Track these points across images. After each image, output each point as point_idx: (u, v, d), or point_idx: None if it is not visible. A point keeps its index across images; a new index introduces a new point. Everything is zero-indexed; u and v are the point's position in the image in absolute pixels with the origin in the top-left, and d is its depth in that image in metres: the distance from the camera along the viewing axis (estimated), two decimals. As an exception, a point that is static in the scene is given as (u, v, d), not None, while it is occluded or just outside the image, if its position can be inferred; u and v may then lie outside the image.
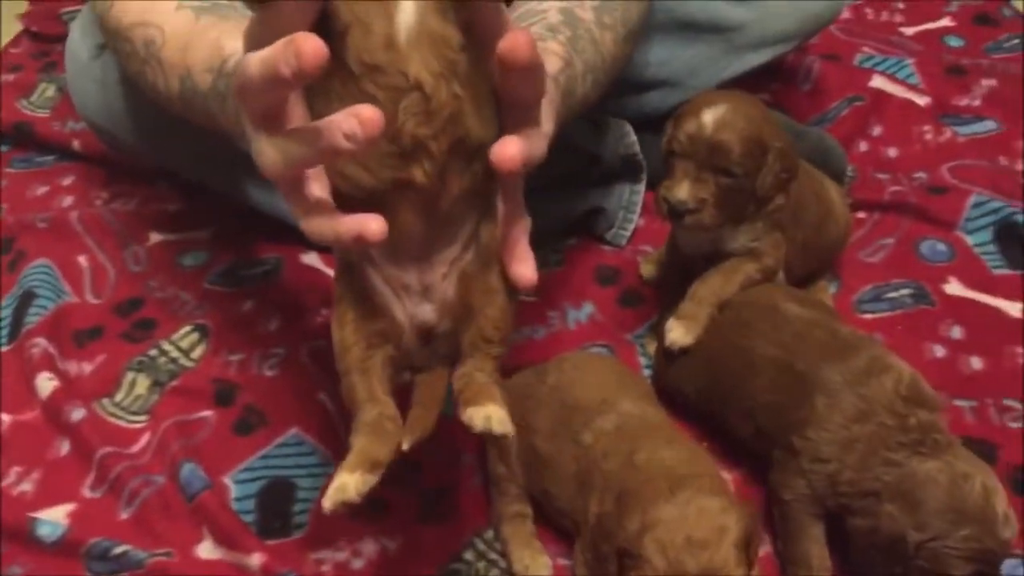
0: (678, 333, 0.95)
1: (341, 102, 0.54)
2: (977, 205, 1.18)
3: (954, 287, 1.11)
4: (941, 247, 1.16)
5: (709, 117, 0.91)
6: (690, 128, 0.92)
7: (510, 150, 0.58)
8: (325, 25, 0.55)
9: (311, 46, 0.50)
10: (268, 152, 0.58)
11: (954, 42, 1.53)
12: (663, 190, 0.94)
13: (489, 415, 0.64)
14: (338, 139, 0.52)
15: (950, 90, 1.39)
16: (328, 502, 0.62)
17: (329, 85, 0.56)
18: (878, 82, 1.39)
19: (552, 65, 0.78)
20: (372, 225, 0.57)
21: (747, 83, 1.25)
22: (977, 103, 1.37)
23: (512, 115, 0.61)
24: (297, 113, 0.59)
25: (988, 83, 1.40)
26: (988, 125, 1.33)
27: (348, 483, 0.62)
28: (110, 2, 0.89)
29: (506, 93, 0.60)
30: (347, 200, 0.60)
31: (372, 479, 0.63)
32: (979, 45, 1.52)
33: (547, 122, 0.66)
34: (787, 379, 0.88)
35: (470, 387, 0.66)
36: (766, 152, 0.92)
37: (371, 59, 0.55)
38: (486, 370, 0.67)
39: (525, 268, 0.65)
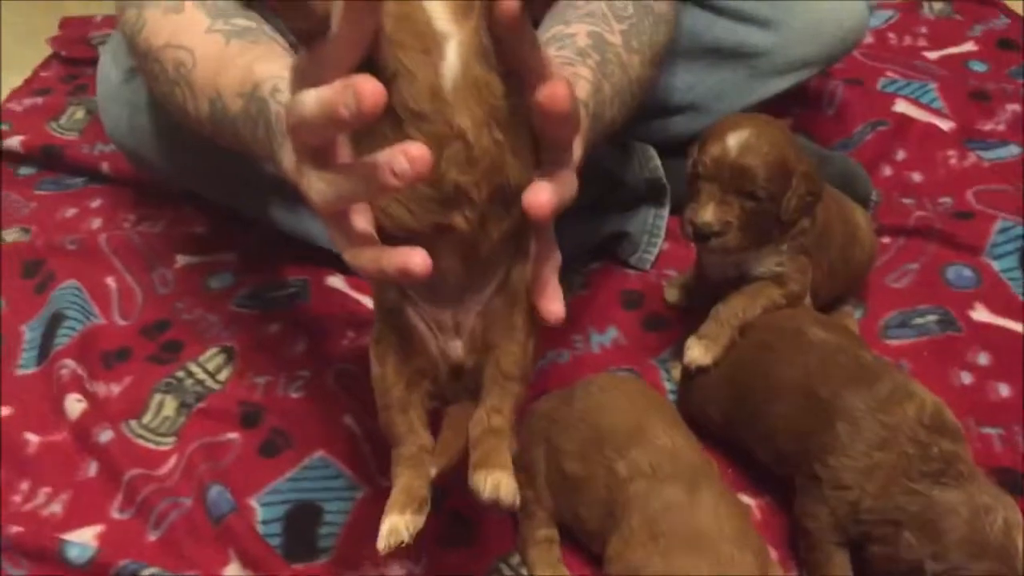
0: (697, 352, 0.96)
1: (385, 143, 0.55)
2: (1003, 231, 1.18)
3: (980, 313, 1.10)
4: (967, 272, 1.15)
5: (734, 141, 0.92)
6: (715, 151, 0.92)
7: (542, 197, 0.59)
8: (371, 67, 0.55)
9: (371, 89, 0.51)
10: (318, 186, 0.58)
11: (978, 67, 1.53)
12: (688, 213, 0.94)
13: (498, 483, 0.64)
14: (387, 176, 0.53)
15: (974, 115, 1.39)
16: (383, 544, 0.64)
17: (374, 126, 0.57)
18: (902, 107, 1.39)
19: (581, 90, 0.79)
20: (416, 259, 0.57)
21: (771, 107, 1.25)
22: (1002, 128, 1.37)
23: (545, 155, 0.62)
24: (344, 150, 0.60)
25: (1012, 107, 1.40)
26: (1012, 150, 1.33)
27: (399, 525, 0.64)
28: (141, 24, 0.90)
29: (541, 134, 0.61)
30: (389, 239, 0.61)
31: (421, 519, 0.65)
32: (1003, 69, 1.52)
33: (577, 149, 0.67)
34: (809, 404, 0.88)
35: (483, 444, 0.67)
36: (791, 176, 0.93)
37: (416, 107, 0.56)
38: (504, 411, 0.68)
39: (554, 304, 0.65)
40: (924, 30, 1.63)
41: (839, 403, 0.85)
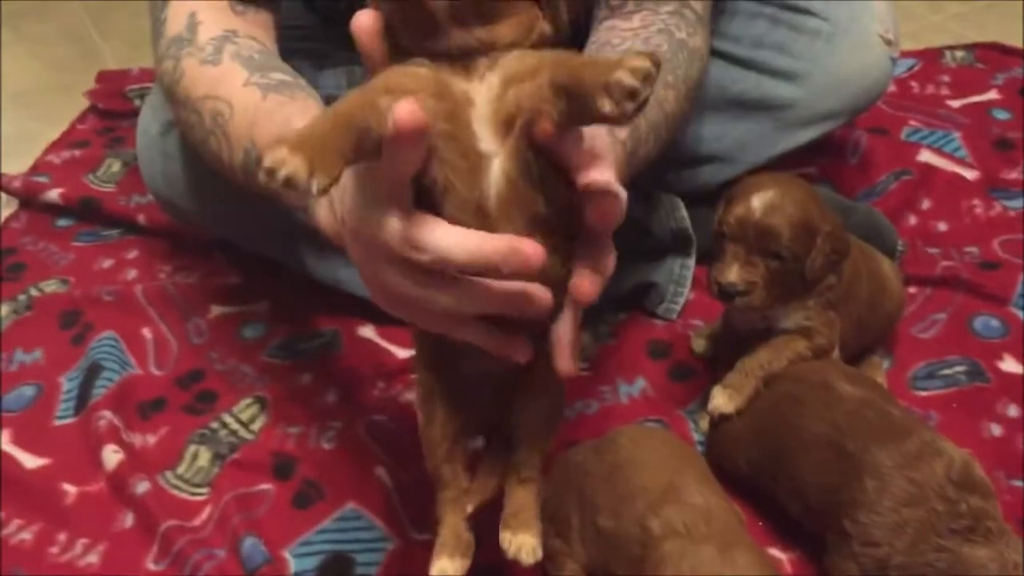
0: (721, 401, 0.97)
1: None
2: (1029, 281, 1.19)
3: (1009, 364, 1.11)
4: (995, 323, 1.16)
5: (758, 202, 0.94)
6: (739, 212, 0.94)
7: (586, 286, 0.61)
8: (422, 180, 0.58)
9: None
10: (446, 301, 0.60)
11: (1001, 115, 1.54)
12: (714, 272, 0.96)
13: (520, 546, 0.69)
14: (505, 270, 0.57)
15: (998, 164, 1.40)
16: None
17: None
18: (926, 156, 1.41)
19: (620, 130, 0.81)
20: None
21: (795, 157, 1.28)
22: None
23: (587, 239, 0.63)
24: None
25: None
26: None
27: (448, 568, 0.68)
28: (179, 75, 0.92)
29: (586, 222, 0.62)
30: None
31: (468, 562, 0.69)
32: None
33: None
34: (837, 459, 0.88)
35: (513, 499, 0.71)
36: (815, 235, 0.94)
37: (462, 220, 0.58)
38: (533, 462, 0.72)
39: (569, 362, 0.65)
40: (947, 79, 1.64)
41: (867, 458, 0.86)
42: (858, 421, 0.89)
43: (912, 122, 1.49)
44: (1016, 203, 1.33)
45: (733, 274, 0.94)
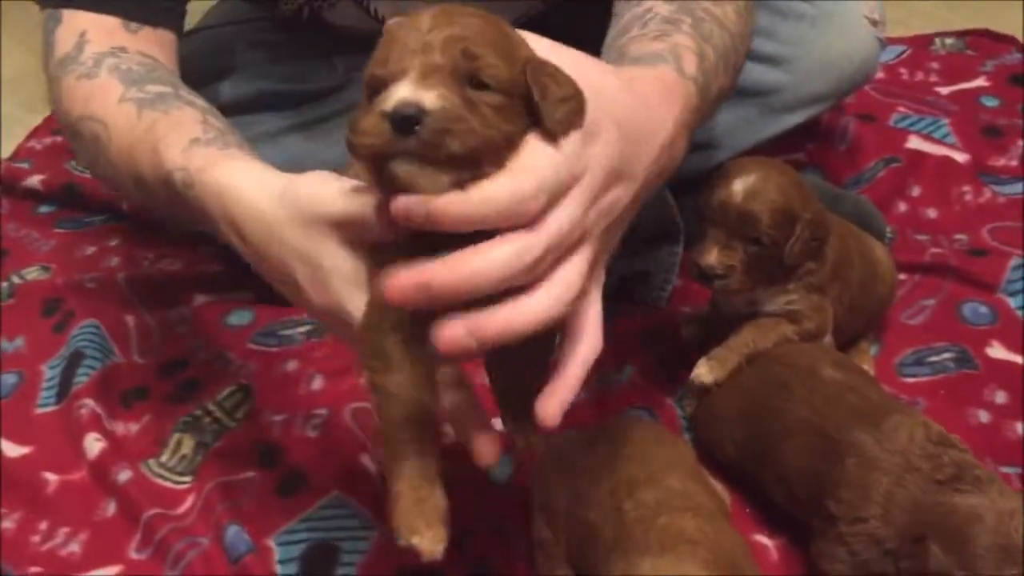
0: (703, 370, 0.99)
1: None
2: (1017, 267, 1.18)
3: (997, 351, 1.10)
4: (983, 309, 1.15)
5: (739, 186, 0.95)
6: (720, 196, 0.95)
7: (549, 409, 0.59)
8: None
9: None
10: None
11: (989, 102, 1.53)
12: (694, 254, 0.97)
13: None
14: None
15: (987, 150, 1.40)
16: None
17: None
18: (915, 143, 1.40)
19: (689, 63, 0.72)
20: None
21: (784, 144, 1.27)
22: (1014, 163, 1.37)
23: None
24: None
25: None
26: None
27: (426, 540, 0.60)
28: (58, 93, 0.87)
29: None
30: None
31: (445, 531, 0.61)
32: (1015, 105, 1.52)
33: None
34: (819, 444, 0.88)
35: None
36: (795, 222, 0.95)
37: None
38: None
39: (553, 408, 0.61)
40: (936, 65, 1.64)
41: (847, 440, 0.85)
42: (839, 405, 0.88)
43: (901, 108, 1.48)
44: (1004, 189, 1.33)
45: (712, 257, 0.95)
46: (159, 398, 1.13)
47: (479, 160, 0.53)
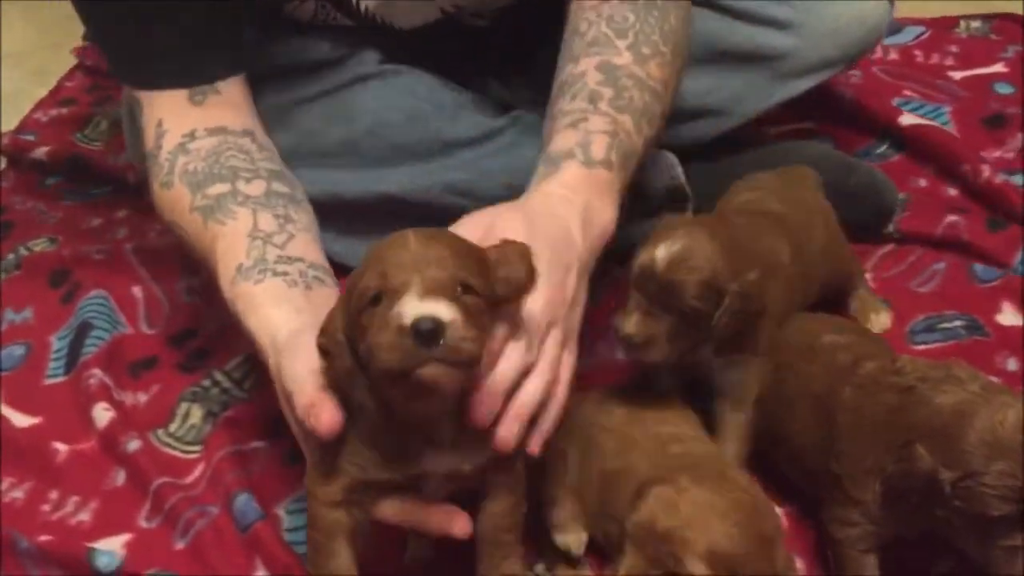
0: None
1: None
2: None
3: (1007, 316, 1.10)
4: (995, 270, 1.14)
5: (663, 252, 0.87)
6: (643, 261, 0.88)
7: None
8: None
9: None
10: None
11: (1004, 89, 1.48)
12: (615, 319, 0.90)
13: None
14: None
15: (983, 142, 1.35)
16: None
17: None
18: (913, 121, 1.37)
19: (599, 148, 0.86)
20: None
21: (791, 115, 1.26)
22: (1010, 155, 1.33)
23: None
24: None
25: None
26: (1019, 180, 1.28)
27: None
28: (152, 190, 0.96)
29: None
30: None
31: None
32: None
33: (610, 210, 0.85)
34: (816, 411, 0.87)
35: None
36: (723, 293, 0.87)
37: None
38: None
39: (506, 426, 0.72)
40: (954, 49, 1.58)
41: (835, 397, 0.85)
42: (831, 368, 0.88)
43: (906, 92, 1.45)
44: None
45: (631, 325, 0.88)
46: (167, 368, 1.13)
47: (480, 356, 0.66)
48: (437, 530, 0.73)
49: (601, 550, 0.89)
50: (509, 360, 0.71)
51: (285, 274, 0.84)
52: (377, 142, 1.14)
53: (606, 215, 0.85)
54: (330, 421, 0.67)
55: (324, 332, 0.68)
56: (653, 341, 0.88)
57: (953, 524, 0.76)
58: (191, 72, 0.95)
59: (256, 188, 0.90)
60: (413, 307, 0.62)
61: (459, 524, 0.73)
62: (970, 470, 0.73)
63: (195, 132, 0.93)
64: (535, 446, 0.74)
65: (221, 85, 0.96)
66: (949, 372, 0.79)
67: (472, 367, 0.66)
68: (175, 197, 0.92)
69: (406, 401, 0.67)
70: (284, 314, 0.80)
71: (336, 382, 0.69)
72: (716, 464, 0.84)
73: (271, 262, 0.84)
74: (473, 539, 0.76)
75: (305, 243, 0.89)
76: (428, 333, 0.61)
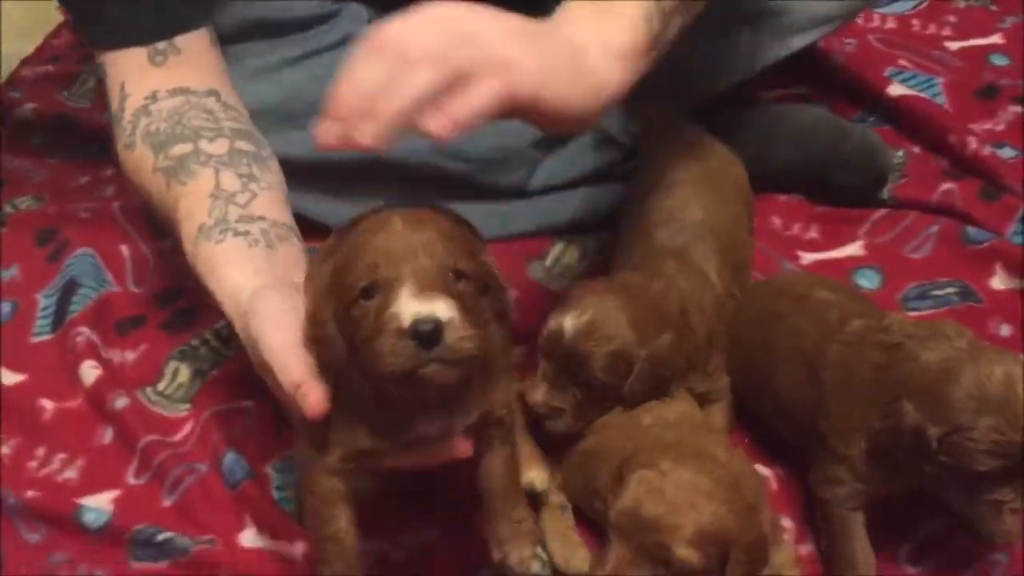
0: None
1: None
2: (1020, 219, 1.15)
3: (1000, 280, 1.09)
4: (987, 232, 1.14)
5: (571, 321, 0.84)
6: (552, 328, 0.85)
7: None
8: None
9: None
10: None
11: (999, 60, 1.46)
12: (525, 385, 0.88)
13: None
14: None
15: (974, 113, 1.34)
16: None
17: None
18: (903, 91, 1.35)
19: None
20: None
21: (786, 84, 1.24)
22: (1000, 128, 1.32)
23: None
24: None
25: (1015, 109, 1.34)
26: (1007, 152, 1.27)
27: None
28: (118, 153, 0.94)
29: None
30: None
31: None
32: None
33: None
34: (804, 367, 0.87)
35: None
36: (632, 365, 0.85)
37: None
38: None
39: None
40: (953, 19, 1.56)
41: (822, 354, 0.85)
42: (820, 324, 0.88)
43: (901, 62, 1.43)
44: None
45: (539, 395, 0.86)
46: (155, 327, 1.12)
47: (480, 354, 0.65)
48: (444, 458, 0.74)
49: (592, 524, 0.90)
50: None
51: (247, 233, 0.82)
52: None
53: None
54: (317, 404, 0.67)
55: (312, 321, 0.68)
56: (558, 413, 0.86)
57: (940, 480, 0.77)
58: (148, 29, 0.93)
59: (219, 147, 0.89)
60: (410, 307, 0.62)
61: (461, 447, 0.73)
62: (957, 425, 0.73)
63: (157, 93, 0.92)
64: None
65: (182, 43, 0.94)
66: (937, 330, 0.79)
67: (472, 364, 0.66)
68: (138, 158, 0.91)
69: (402, 392, 0.67)
70: (244, 275, 0.79)
71: (324, 366, 0.68)
72: (692, 437, 0.82)
73: (232, 222, 0.83)
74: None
75: (269, 201, 0.87)
76: (428, 335, 0.61)
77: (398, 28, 0.66)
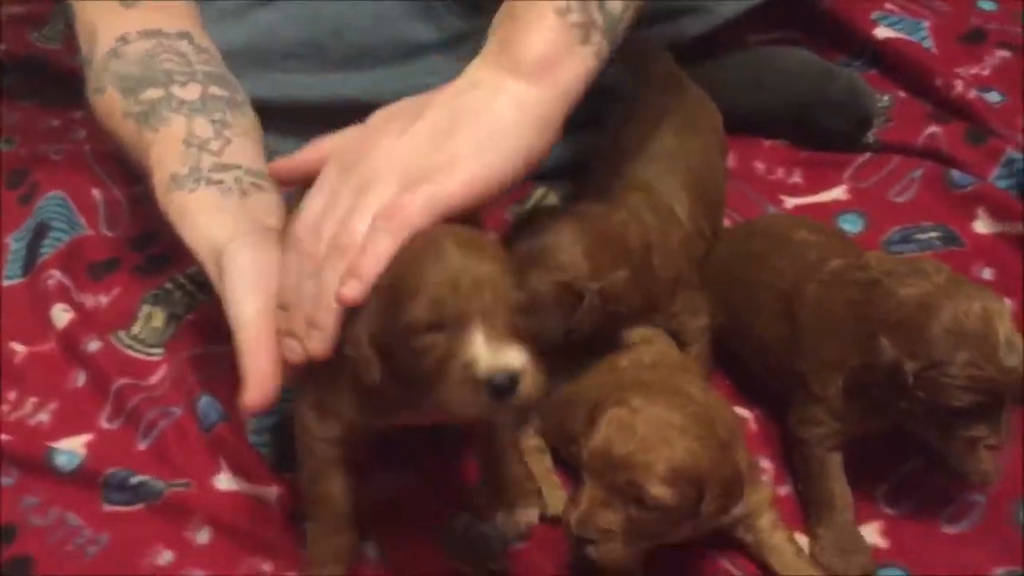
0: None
1: None
2: (1008, 163, 1.13)
3: (983, 223, 1.09)
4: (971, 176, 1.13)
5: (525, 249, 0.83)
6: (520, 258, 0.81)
7: None
8: None
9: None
10: None
11: (987, 5, 1.44)
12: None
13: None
14: None
15: (960, 58, 1.33)
16: None
17: None
18: (890, 34, 1.33)
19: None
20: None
21: (771, 28, 1.24)
22: (986, 72, 1.30)
23: None
24: None
25: (1001, 54, 1.32)
26: (993, 97, 1.25)
27: None
28: (90, 99, 0.93)
29: None
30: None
31: None
32: (1011, 11, 1.43)
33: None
34: (781, 307, 0.86)
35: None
36: (582, 297, 0.82)
37: None
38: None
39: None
40: None
41: (799, 294, 0.84)
42: (799, 264, 0.87)
43: (888, 5, 1.41)
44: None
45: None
46: (129, 270, 1.11)
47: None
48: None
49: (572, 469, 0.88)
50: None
51: (220, 182, 0.81)
52: (341, 44, 1.10)
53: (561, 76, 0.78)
54: (258, 404, 0.70)
55: (350, 342, 0.65)
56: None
57: (916, 417, 0.76)
58: None
59: (191, 92, 0.87)
60: (484, 356, 0.60)
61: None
62: (934, 360, 0.73)
63: (127, 36, 0.90)
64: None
65: None
66: (916, 266, 0.78)
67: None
68: (108, 103, 0.89)
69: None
70: (218, 225, 0.78)
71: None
72: (667, 376, 0.81)
73: (205, 170, 0.82)
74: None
75: (243, 148, 0.85)
76: (505, 389, 0.60)
77: (301, 223, 0.70)
